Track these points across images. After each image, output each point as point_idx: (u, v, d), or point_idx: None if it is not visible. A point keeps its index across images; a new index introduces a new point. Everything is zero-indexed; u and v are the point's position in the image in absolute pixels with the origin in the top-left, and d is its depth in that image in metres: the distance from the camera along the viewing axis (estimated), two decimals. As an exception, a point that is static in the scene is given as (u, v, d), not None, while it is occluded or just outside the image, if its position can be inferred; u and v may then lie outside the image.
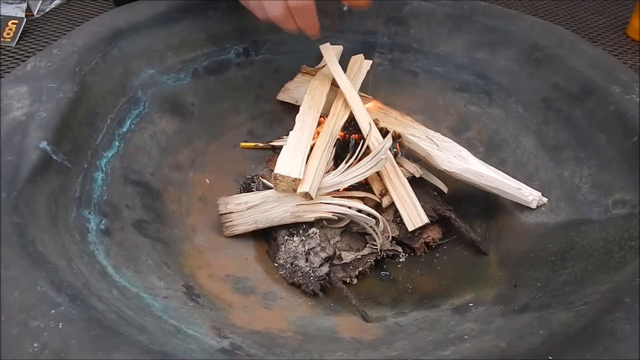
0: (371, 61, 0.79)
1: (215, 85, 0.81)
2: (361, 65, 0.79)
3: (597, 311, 0.45)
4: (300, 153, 0.63)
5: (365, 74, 0.77)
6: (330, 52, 0.76)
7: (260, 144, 0.80)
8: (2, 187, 0.49)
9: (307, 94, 0.73)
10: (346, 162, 0.64)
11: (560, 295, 0.52)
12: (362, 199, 0.66)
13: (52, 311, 0.40)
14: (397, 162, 0.69)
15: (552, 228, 0.63)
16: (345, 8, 0.82)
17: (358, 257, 0.65)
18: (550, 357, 0.40)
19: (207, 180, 0.74)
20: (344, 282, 0.63)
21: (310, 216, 0.63)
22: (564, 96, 0.71)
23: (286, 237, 0.65)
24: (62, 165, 0.57)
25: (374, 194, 0.67)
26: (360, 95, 0.73)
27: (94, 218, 0.57)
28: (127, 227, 0.60)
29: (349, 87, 0.73)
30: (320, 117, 0.71)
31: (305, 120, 0.68)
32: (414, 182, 0.68)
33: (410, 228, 0.65)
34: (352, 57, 0.80)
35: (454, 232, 0.70)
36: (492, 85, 0.79)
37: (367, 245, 0.66)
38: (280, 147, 0.65)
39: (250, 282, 0.62)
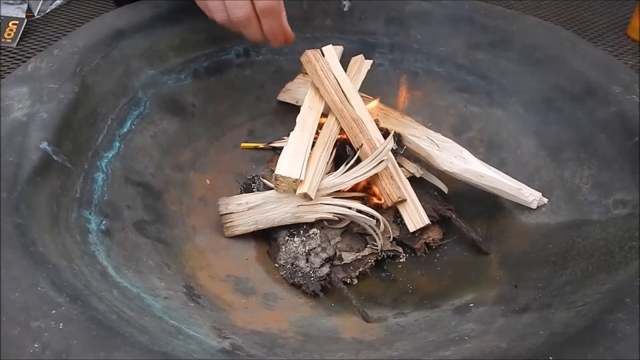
0: (371, 61, 0.79)
1: (216, 85, 0.81)
2: (361, 65, 0.78)
3: (598, 311, 0.45)
4: (301, 154, 0.63)
5: (365, 74, 0.77)
6: (332, 53, 0.76)
7: (261, 145, 0.80)
8: (3, 188, 0.49)
9: (307, 94, 0.73)
10: (346, 164, 0.64)
11: (561, 295, 0.52)
12: (362, 199, 0.66)
13: (53, 311, 0.40)
14: (398, 163, 0.69)
15: (553, 228, 0.63)
16: (345, 8, 0.82)
17: (358, 257, 0.65)
18: (551, 357, 0.40)
19: (207, 181, 0.74)
20: (345, 283, 0.63)
21: (310, 217, 0.63)
22: (564, 96, 0.71)
23: (287, 238, 0.65)
24: (62, 166, 0.57)
25: (374, 194, 0.67)
26: (361, 96, 0.73)
27: (94, 219, 0.58)
28: (127, 228, 0.60)
29: (350, 87, 0.72)
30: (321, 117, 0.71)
31: (306, 121, 0.68)
32: (415, 182, 0.68)
33: (412, 229, 0.65)
34: (353, 57, 0.80)
35: (454, 233, 0.70)
36: (493, 85, 0.79)
37: (368, 245, 0.66)
38: (281, 148, 0.65)
39: (251, 282, 0.62)
